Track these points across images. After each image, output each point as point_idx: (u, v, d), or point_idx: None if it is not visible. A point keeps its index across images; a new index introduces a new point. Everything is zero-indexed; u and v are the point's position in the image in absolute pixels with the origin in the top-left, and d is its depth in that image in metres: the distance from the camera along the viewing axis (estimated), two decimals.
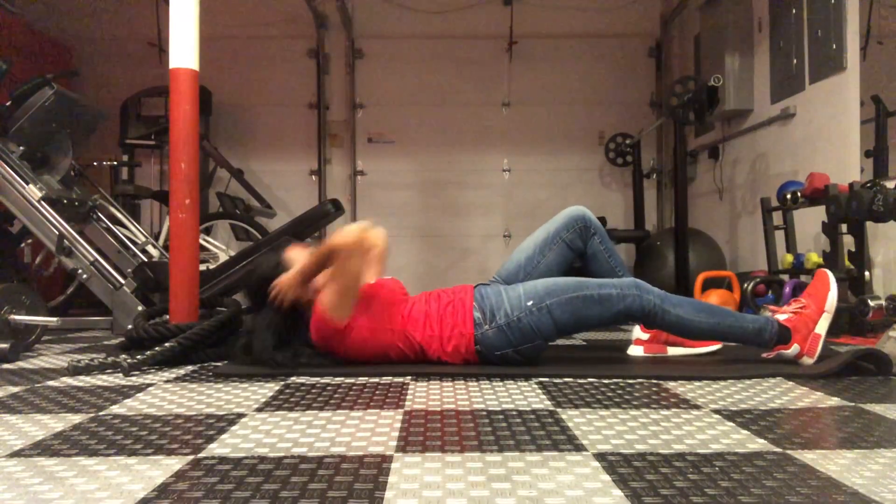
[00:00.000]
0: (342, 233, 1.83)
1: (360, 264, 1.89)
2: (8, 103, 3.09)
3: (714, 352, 2.15)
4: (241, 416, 1.39)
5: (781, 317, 1.89)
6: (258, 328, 1.95)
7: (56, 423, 1.35)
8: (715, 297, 3.60)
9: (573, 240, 2.12)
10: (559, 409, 1.42)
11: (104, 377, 1.88)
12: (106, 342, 2.71)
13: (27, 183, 2.90)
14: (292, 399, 1.55)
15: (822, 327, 1.87)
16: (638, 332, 2.17)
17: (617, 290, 1.86)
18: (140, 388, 1.71)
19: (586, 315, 1.86)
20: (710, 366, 1.95)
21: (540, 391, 1.61)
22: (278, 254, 2.05)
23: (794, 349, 1.87)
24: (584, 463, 1.05)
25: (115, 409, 1.48)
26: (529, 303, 1.87)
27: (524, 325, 1.86)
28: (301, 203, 5.48)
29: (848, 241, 2.72)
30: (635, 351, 2.17)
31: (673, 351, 2.15)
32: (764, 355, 1.96)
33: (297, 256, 1.98)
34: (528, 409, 1.43)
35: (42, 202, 2.89)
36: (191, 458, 1.09)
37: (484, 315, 1.89)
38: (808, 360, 1.87)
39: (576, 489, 0.93)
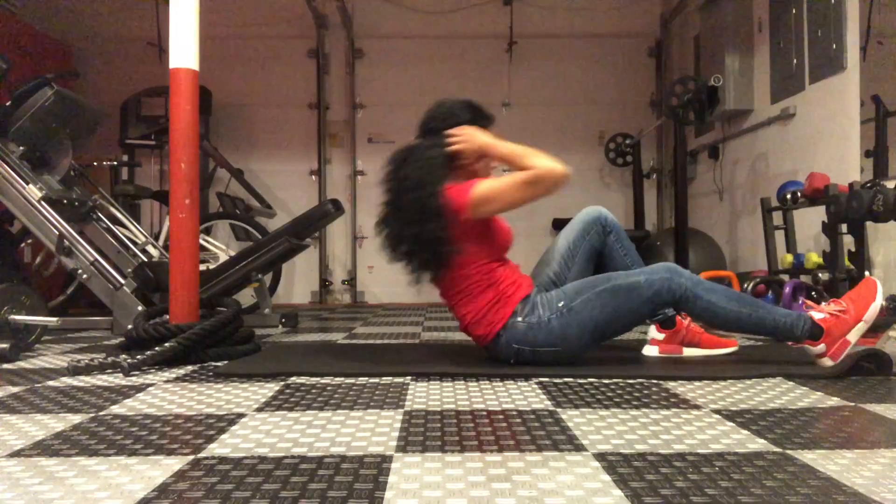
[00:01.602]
0: (555, 163, 1.88)
1: (535, 198, 1.90)
2: (8, 103, 3.09)
3: (730, 353, 2.12)
4: (241, 416, 1.39)
5: (817, 315, 1.85)
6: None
7: (56, 423, 1.35)
8: None
9: (594, 245, 2.12)
10: (559, 409, 1.42)
11: (104, 377, 1.88)
12: (106, 342, 2.71)
13: (27, 183, 2.90)
14: (292, 399, 1.55)
15: (853, 335, 1.83)
16: (653, 331, 2.14)
17: (644, 276, 1.87)
18: (140, 388, 1.71)
19: (617, 307, 1.86)
20: (710, 366, 1.94)
21: (540, 391, 1.61)
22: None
23: (820, 348, 1.84)
24: (584, 463, 1.05)
25: (115, 409, 1.48)
26: (560, 304, 1.88)
27: (553, 326, 1.87)
28: (301, 203, 5.48)
29: (848, 241, 2.72)
30: (650, 351, 2.14)
31: (689, 352, 2.12)
32: (789, 344, 1.94)
33: (487, 137, 1.96)
34: (528, 409, 1.43)
35: (42, 202, 2.89)
36: (191, 458, 1.09)
37: (523, 308, 1.90)
38: (828, 362, 1.84)
39: (576, 489, 0.93)
